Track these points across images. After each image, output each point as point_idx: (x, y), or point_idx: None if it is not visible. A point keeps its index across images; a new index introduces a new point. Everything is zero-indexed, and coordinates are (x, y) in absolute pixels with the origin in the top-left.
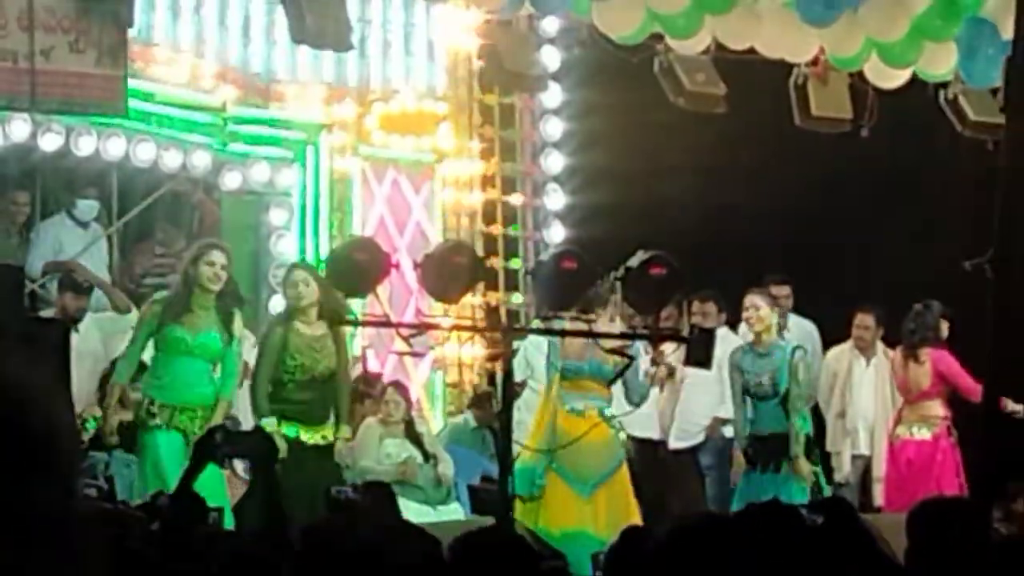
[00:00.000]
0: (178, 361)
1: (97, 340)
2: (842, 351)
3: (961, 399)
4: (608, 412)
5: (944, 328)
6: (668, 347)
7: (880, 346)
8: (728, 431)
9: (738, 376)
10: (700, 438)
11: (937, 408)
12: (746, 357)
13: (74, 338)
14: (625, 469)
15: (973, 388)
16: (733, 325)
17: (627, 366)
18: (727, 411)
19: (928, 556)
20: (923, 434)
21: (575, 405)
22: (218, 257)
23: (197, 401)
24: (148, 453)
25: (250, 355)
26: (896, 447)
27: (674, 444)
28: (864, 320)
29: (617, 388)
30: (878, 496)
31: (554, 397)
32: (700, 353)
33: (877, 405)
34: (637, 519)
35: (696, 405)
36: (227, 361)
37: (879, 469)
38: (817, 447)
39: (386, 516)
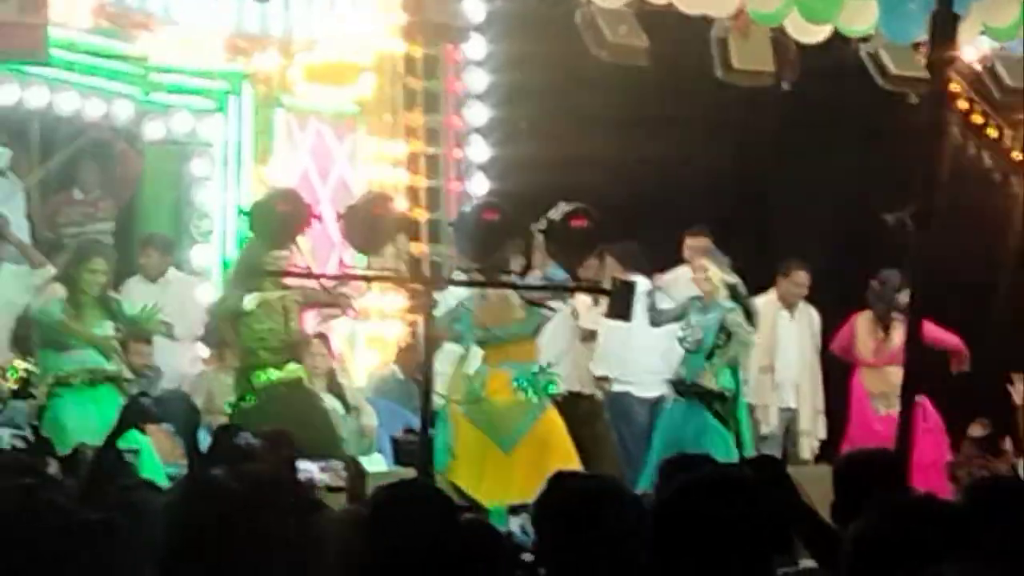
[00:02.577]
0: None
1: (13, 291)
2: (766, 304)
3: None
4: (532, 371)
5: (904, 298)
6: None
7: (801, 304)
8: (615, 386)
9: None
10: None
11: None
12: (692, 309)
13: None
14: (545, 425)
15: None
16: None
17: (546, 320)
18: (602, 370)
19: (853, 509)
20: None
21: (494, 371)
22: (100, 264)
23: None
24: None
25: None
26: (883, 416)
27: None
28: (799, 277)
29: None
30: (804, 449)
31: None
32: (621, 306)
33: (804, 358)
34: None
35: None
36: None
37: (806, 423)
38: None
39: (282, 465)
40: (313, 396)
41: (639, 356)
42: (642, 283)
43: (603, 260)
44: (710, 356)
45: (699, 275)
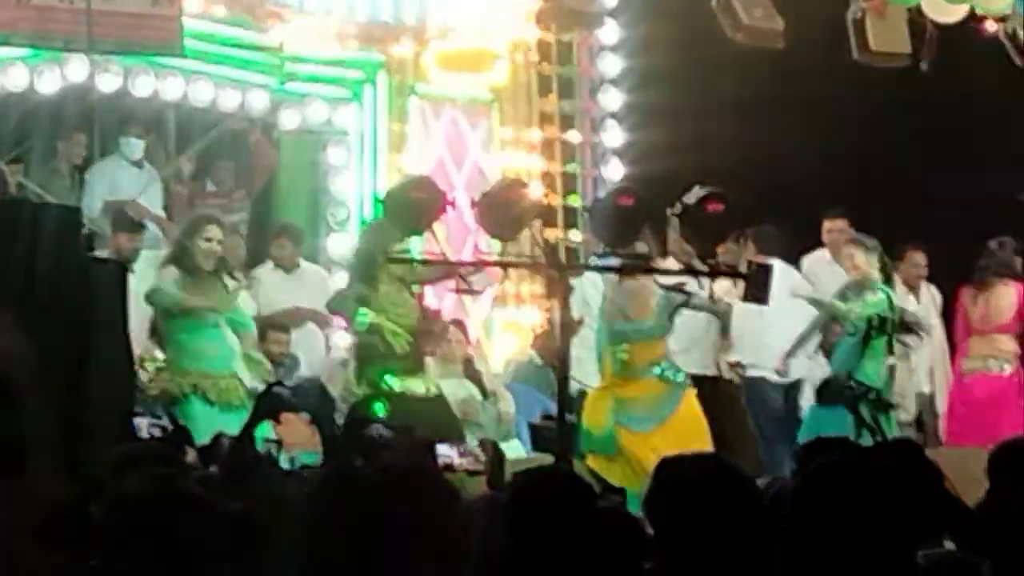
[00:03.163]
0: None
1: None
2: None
3: None
4: (666, 368)
5: (1019, 263)
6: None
7: (923, 283)
8: (749, 371)
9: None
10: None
11: (1010, 343)
12: (846, 293)
13: (131, 279)
14: (684, 411)
15: None
16: (792, 259)
17: (685, 302)
18: (734, 355)
19: (1011, 496)
20: (1000, 368)
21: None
22: (215, 232)
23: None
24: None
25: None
26: (966, 381)
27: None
28: (915, 257)
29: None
30: (940, 431)
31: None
32: (758, 289)
33: (934, 340)
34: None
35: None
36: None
37: (940, 405)
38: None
39: (420, 451)
40: (448, 409)
41: (774, 341)
42: (780, 267)
43: (742, 243)
44: (866, 342)
45: (847, 264)
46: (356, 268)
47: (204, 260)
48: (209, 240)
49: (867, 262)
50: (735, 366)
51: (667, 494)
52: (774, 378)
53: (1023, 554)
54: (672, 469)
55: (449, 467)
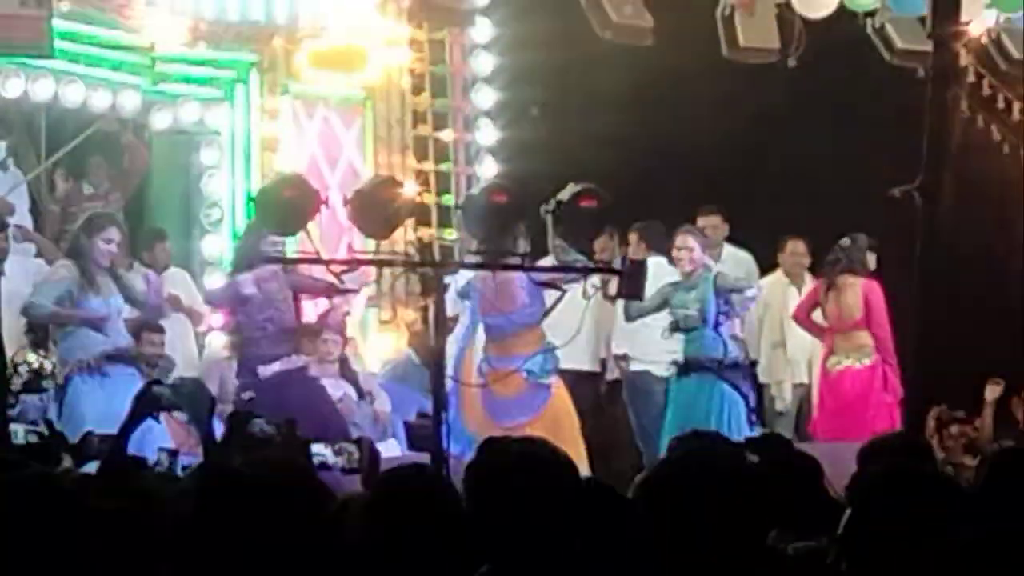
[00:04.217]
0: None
1: (21, 281)
2: (774, 281)
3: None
4: (534, 364)
5: (871, 260)
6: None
7: (807, 275)
8: (633, 365)
9: (668, 313)
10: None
11: (867, 337)
12: (675, 293)
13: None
14: (553, 408)
15: (883, 330)
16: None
17: (559, 299)
18: (623, 347)
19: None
20: (862, 362)
21: (499, 367)
22: (114, 234)
23: None
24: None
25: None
26: (833, 376)
27: (610, 376)
28: (797, 247)
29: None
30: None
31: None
32: (633, 285)
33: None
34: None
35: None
36: None
37: (815, 397)
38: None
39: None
40: (317, 383)
41: (656, 335)
42: (662, 264)
43: (617, 240)
44: (716, 327)
45: (682, 253)
46: (237, 265)
47: (101, 258)
48: (108, 241)
49: (700, 256)
50: (621, 359)
51: (484, 471)
52: (658, 372)
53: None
54: (494, 448)
55: (324, 465)
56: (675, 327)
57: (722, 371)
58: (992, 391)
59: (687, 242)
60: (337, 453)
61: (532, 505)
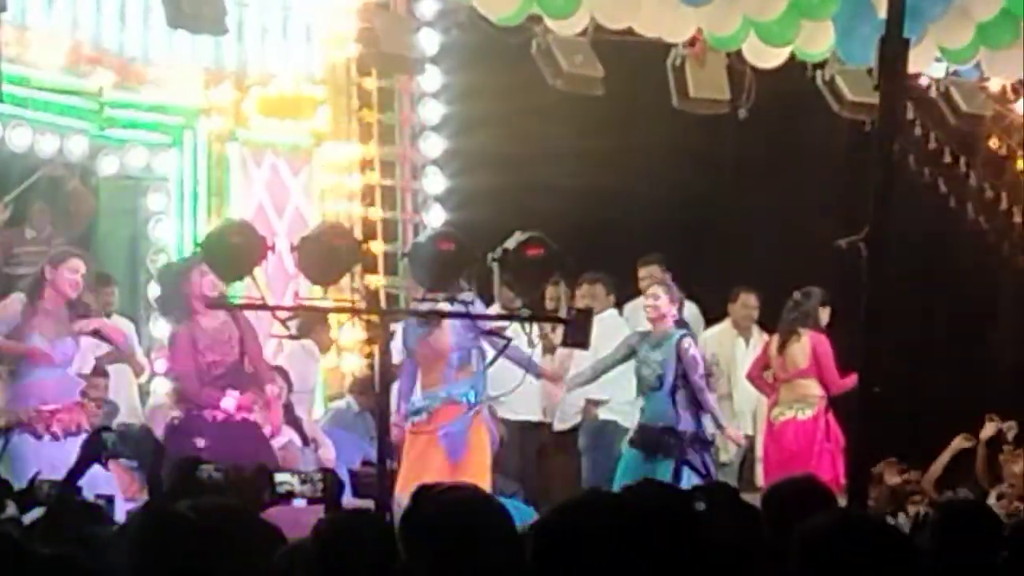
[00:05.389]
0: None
1: None
2: (723, 331)
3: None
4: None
5: (824, 315)
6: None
7: (755, 328)
8: (602, 413)
9: (633, 362)
10: (577, 419)
11: (814, 387)
12: (643, 344)
13: None
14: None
15: (834, 379)
16: (619, 307)
17: (504, 347)
18: (600, 392)
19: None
20: (805, 413)
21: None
22: (79, 265)
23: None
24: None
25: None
26: (777, 428)
27: (557, 426)
28: (748, 300)
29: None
30: (759, 475)
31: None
32: (578, 334)
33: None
34: None
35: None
36: None
37: (759, 449)
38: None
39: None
40: (260, 430)
41: (632, 386)
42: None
43: (565, 289)
44: (673, 393)
45: (651, 302)
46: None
47: (68, 289)
48: (74, 271)
49: (667, 306)
50: (593, 404)
51: (417, 521)
52: (625, 423)
53: None
54: (427, 497)
55: (291, 494)
56: (642, 380)
57: (675, 447)
58: (987, 429)
59: (655, 292)
60: (303, 482)
61: (466, 554)
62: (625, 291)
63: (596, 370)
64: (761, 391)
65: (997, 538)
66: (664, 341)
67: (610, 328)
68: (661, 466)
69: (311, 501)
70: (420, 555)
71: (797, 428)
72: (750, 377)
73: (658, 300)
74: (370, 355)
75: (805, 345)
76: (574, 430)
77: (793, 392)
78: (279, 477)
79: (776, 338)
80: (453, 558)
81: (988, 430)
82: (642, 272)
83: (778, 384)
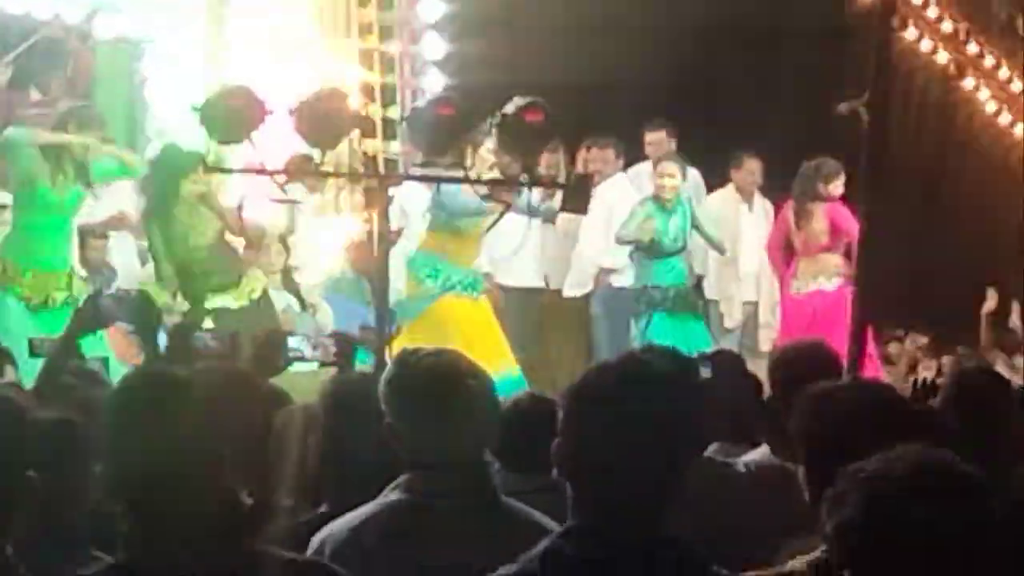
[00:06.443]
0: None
1: None
2: (725, 197)
3: None
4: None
5: (839, 183)
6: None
7: (757, 194)
8: (615, 280)
9: (650, 230)
10: (590, 286)
11: (836, 259)
12: (658, 215)
13: None
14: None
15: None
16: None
17: (503, 212)
18: (613, 261)
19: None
20: (832, 282)
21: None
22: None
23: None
24: None
25: None
26: (799, 299)
27: (568, 292)
28: (751, 165)
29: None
30: (763, 341)
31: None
32: (576, 199)
33: (763, 250)
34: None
35: (589, 252)
36: None
37: (765, 315)
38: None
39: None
40: (272, 311)
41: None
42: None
43: (563, 155)
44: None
45: (664, 181)
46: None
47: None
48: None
49: (679, 183)
50: (607, 272)
51: (396, 384)
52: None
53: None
54: (407, 360)
55: (301, 358)
56: (659, 244)
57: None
58: (989, 303)
59: (670, 169)
60: (314, 347)
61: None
62: (629, 156)
63: (620, 239)
64: (775, 266)
65: (1013, 402)
66: (676, 209)
67: (624, 191)
68: (693, 325)
69: (322, 364)
70: (402, 418)
71: (820, 299)
72: (769, 252)
73: (675, 179)
74: (368, 220)
75: (823, 220)
76: (585, 297)
77: (815, 264)
78: (290, 342)
79: (791, 213)
80: (433, 423)
81: (990, 302)
82: (649, 138)
83: (798, 257)
